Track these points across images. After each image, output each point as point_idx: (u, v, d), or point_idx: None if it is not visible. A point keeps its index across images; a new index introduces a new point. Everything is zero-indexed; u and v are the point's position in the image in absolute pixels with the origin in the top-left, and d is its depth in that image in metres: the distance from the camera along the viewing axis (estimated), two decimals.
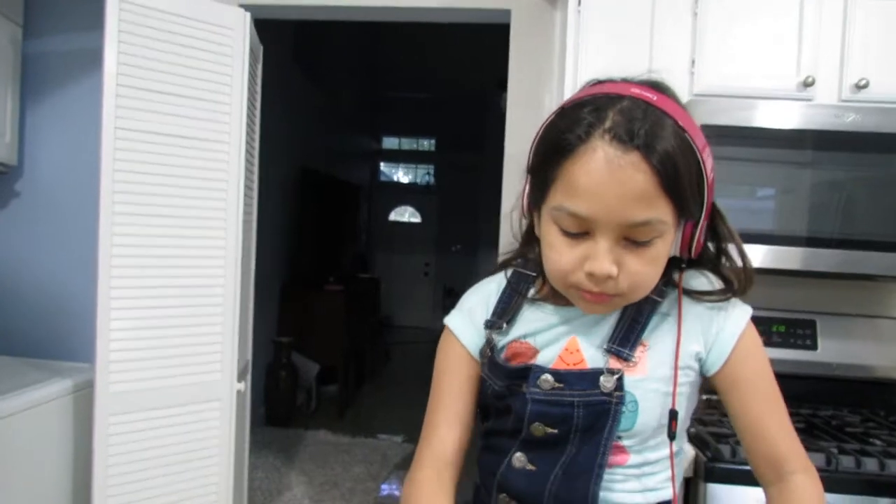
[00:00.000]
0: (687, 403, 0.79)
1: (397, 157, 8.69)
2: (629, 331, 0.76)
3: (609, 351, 0.76)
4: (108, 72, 1.46)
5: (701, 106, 1.41)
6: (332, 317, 4.27)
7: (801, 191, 1.47)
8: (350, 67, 6.10)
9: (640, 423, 0.75)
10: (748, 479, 1.12)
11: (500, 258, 0.88)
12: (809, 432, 1.32)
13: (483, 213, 6.69)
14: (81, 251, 1.73)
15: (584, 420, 0.74)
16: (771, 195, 1.50)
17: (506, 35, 1.93)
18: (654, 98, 0.67)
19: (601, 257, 0.67)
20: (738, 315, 0.78)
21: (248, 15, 1.69)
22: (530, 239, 0.82)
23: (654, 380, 0.75)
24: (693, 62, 1.51)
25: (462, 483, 0.84)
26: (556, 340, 0.78)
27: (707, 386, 0.81)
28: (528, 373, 0.77)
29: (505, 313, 0.82)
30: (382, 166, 8.56)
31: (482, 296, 0.85)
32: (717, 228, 0.77)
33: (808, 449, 1.17)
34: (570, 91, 1.54)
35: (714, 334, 0.77)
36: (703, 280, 0.79)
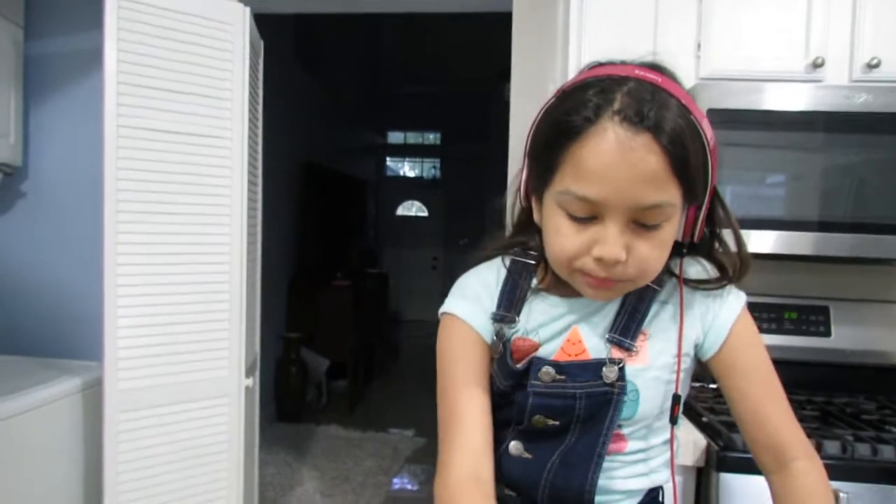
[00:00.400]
0: (683, 388, 0.79)
1: (403, 151, 8.67)
2: (630, 320, 0.76)
3: (611, 341, 0.75)
4: (109, 70, 1.46)
5: (708, 90, 1.39)
6: (341, 312, 4.27)
7: (812, 174, 1.44)
8: (352, 62, 6.07)
9: (641, 412, 0.75)
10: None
11: (494, 245, 0.85)
12: (824, 420, 1.30)
13: (490, 206, 6.65)
14: (88, 250, 1.73)
15: (586, 411, 0.74)
16: (781, 180, 1.48)
17: (508, 25, 1.91)
18: (659, 80, 0.65)
19: (611, 242, 0.65)
20: (733, 301, 0.78)
21: (247, 10, 1.68)
22: (528, 226, 0.80)
23: (655, 368, 0.75)
24: (699, 45, 1.48)
25: None
26: (558, 332, 0.77)
27: (700, 372, 0.82)
28: (530, 367, 0.76)
29: (513, 306, 0.79)
30: (388, 161, 8.54)
31: (484, 284, 0.82)
32: (713, 213, 0.76)
33: (823, 437, 1.16)
34: None
35: (710, 320, 0.77)
36: (698, 268, 0.79)
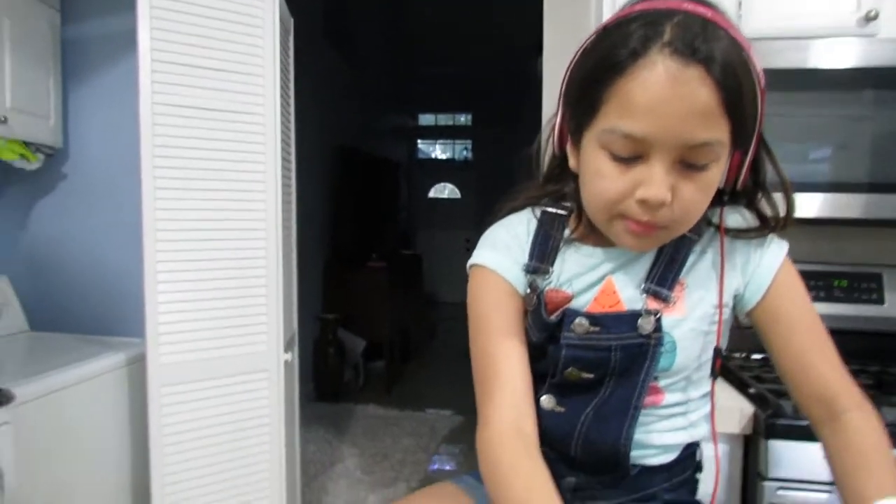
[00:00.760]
0: (723, 342, 0.77)
1: (434, 133, 8.64)
2: (667, 270, 0.73)
3: (647, 291, 0.73)
4: (143, 47, 1.47)
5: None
6: (376, 293, 4.29)
7: (863, 134, 1.37)
8: (381, 43, 6.05)
9: (678, 364, 0.73)
10: (811, 435, 1.06)
11: (525, 195, 0.82)
12: (879, 389, 1.25)
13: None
14: (128, 229, 1.76)
15: (621, 363, 0.72)
16: (829, 140, 1.41)
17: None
18: (709, 13, 0.62)
19: (657, 182, 0.62)
20: (775, 249, 0.75)
21: None
22: (560, 176, 0.77)
23: (693, 319, 0.73)
24: (740, 3, 1.42)
25: None
26: (592, 283, 0.75)
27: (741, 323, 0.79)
28: (563, 319, 0.74)
29: (545, 257, 0.77)
30: (420, 143, 8.53)
31: (513, 235, 0.80)
32: (758, 160, 0.72)
33: (879, 406, 1.11)
34: None
35: (751, 270, 0.74)
36: (737, 217, 0.76)
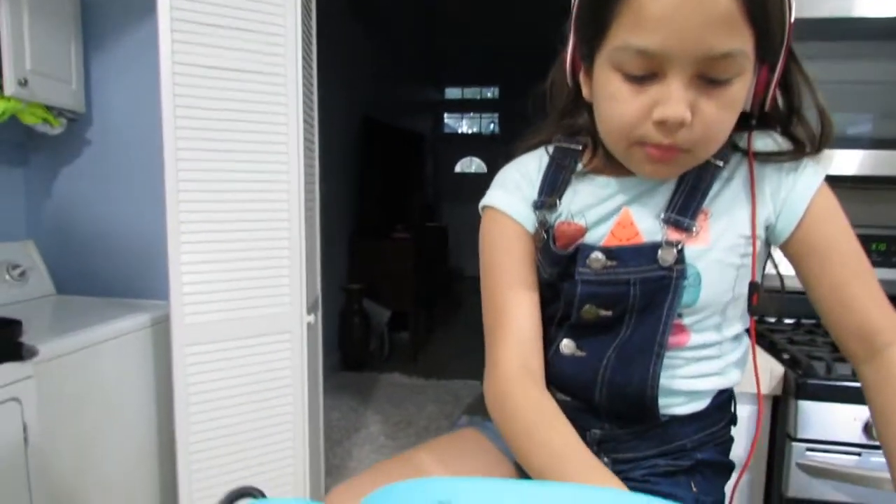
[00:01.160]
0: (758, 276, 0.71)
1: (460, 107, 8.55)
2: (689, 198, 0.68)
3: (667, 221, 0.67)
4: (162, 8, 1.46)
5: None
6: (402, 264, 4.30)
7: None
8: (406, 16, 5.97)
9: (704, 299, 0.67)
10: (843, 396, 1.03)
11: (538, 135, 0.79)
12: None
13: None
14: (153, 193, 1.77)
15: (641, 299, 0.67)
16: (871, 94, 1.35)
17: None
18: None
19: (675, 99, 0.58)
20: (810, 175, 0.68)
21: None
22: (576, 109, 0.73)
23: (719, 250, 0.67)
24: None
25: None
26: (607, 215, 0.70)
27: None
28: (577, 254, 0.69)
29: (555, 190, 0.73)
30: (446, 118, 8.46)
31: (523, 173, 0.77)
32: (789, 81, 0.66)
33: None
34: None
35: (783, 197, 0.68)
36: (768, 140, 0.70)
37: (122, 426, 1.60)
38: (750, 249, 0.68)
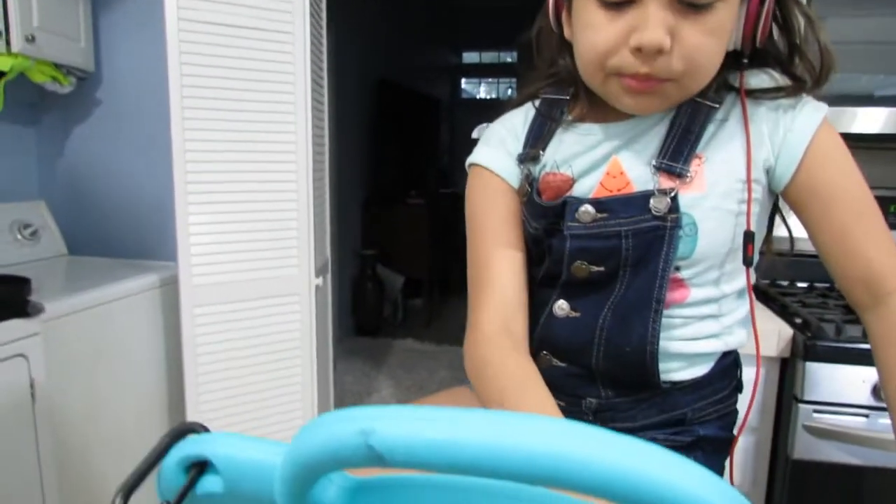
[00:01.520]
0: (759, 226, 0.67)
1: (478, 71, 8.42)
2: (681, 142, 0.63)
3: (659, 168, 0.63)
4: None
5: None
6: (416, 230, 4.29)
7: None
8: None
9: (701, 249, 0.64)
10: (852, 357, 1.01)
11: (526, 90, 0.77)
12: None
13: None
14: (162, 153, 1.77)
15: (635, 251, 0.64)
16: (892, 50, 1.29)
17: None
18: None
19: (652, 23, 0.54)
20: (810, 112, 0.63)
21: None
22: (559, 54, 0.70)
23: (715, 196, 0.63)
24: None
25: None
26: (595, 165, 0.67)
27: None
28: (565, 207, 0.66)
29: (539, 141, 0.70)
30: (464, 83, 8.34)
31: (509, 128, 0.75)
32: (787, 15, 0.62)
33: None
34: None
35: (781, 137, 0.63)
36: (763, 77, 0.65)
37: (132, 385, 1.63)
38: (752, 194, 0.64)
